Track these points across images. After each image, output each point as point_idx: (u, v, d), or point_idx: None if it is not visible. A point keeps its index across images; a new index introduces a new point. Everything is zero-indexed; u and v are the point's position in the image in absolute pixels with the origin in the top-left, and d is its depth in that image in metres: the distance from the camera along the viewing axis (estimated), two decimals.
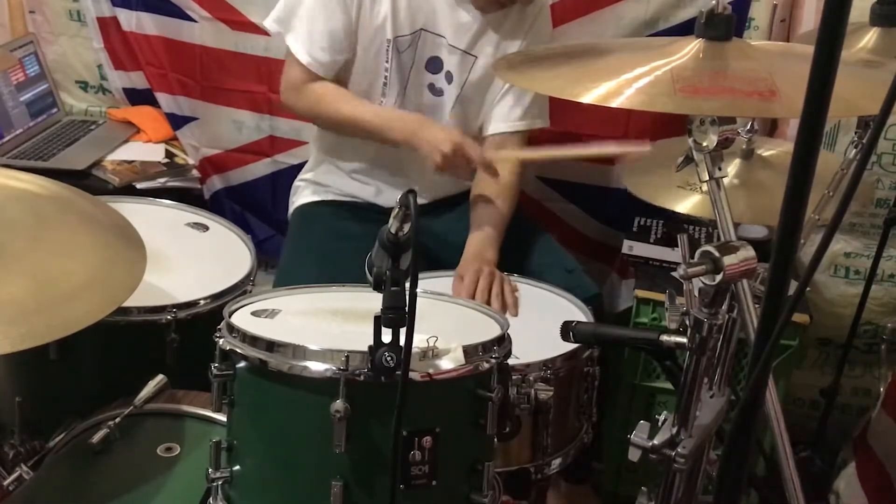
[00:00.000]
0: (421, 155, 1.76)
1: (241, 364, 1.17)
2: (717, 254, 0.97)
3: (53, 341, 1.36)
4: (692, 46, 1.16)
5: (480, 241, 1.80)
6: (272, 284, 1.92)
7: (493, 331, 1.26)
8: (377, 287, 1.08)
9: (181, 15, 2.43)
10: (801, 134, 0.72)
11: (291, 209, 2.09)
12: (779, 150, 1.75)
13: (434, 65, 1.87)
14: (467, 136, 1.79)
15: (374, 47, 1.83)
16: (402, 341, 1.03)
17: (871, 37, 1.61)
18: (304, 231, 1.99)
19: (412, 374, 1.06)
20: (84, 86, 2.64)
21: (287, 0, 1.84)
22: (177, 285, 1.67)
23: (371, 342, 1.06)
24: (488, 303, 1.63)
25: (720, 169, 1.12)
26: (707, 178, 1.12)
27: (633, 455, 1.09)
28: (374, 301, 1.06)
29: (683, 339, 1.09)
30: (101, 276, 1.30)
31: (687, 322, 1.07)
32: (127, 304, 1.32)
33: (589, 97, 1.08)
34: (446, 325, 1.35)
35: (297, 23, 1.83)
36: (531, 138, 2.00)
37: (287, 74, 1.90)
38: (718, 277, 0.97)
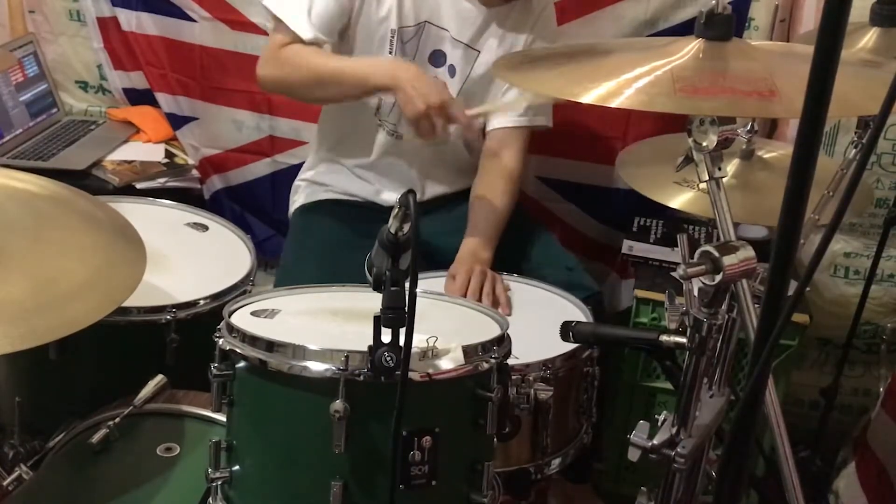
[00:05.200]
0: (401, 99, 1.66)
1: (241, 364, 1.17)
2: (716, 254, 0.97)
3: (53, 341, 1.36)
4: (692, 46, 1.16)
5: (475, 241, 1.80)
6: (273, 284, 1.92)
7: (492, 331, 1.26)
8: (377, 287, 1.08)
9: (181, 15, 2.43)
10: (801, 134, 0.72)
11: (292, 209, 2.09)
12: (779, 151, 1.76)
13: (437, 58, 1.87)
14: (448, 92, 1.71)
15: (378, 37, 1.82)
16: (401, 341, 1.03)
17: (871, 37, 1.61)
18: (304, 231, 1.99)
19: (412, 374, 1.06)
20: (84, 86, 2.64)
21: None
22: (177, 285, 1.67)
23: (371, 342, 1.06)
24: (480, 302, 1.63)
25: (720, 169, 1.12)
26: (707, 178, 1.12)
27: (633, 455, 1.10)
28: (373, 301, 1.06)
29: (683, 339, 1.09)
30: (101, 276, 1.30)
31: (686, 322, 1.07)
32: (127, 304, 1.32)
33: (589, 97, 1.08)
34: (446, 325, 1.35)
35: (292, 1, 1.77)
36: (536, 133, 2.00)
37: (268, 44, 1.82)
38: (718, 277, 0.97)
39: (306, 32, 1.74)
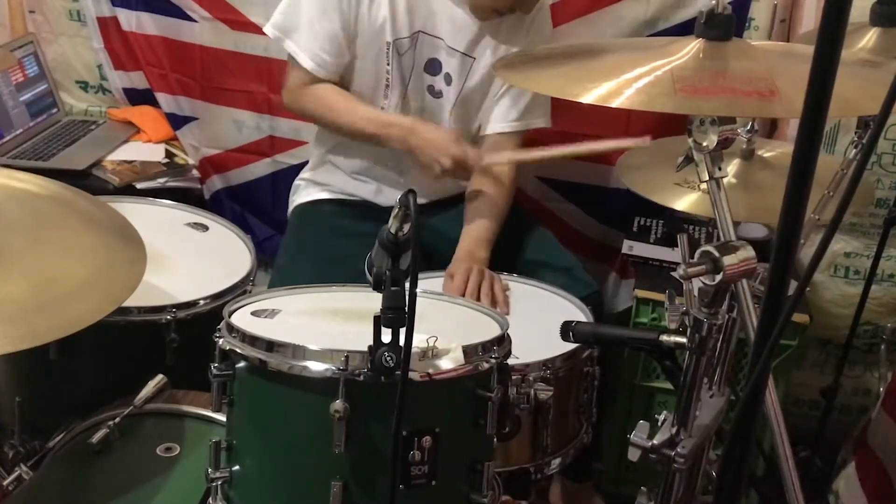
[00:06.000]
0: (420, 163, 1.80)
1: (241, 364, 1.17)
2: (716, 254, 0.97)
3: (53, 341, 1.36)
4: (692, 46, 1.16)
5: (472, 241, 1.81)
6: (269, 281, 1.93)
7: (492, 331, 1.26)
8: (377, 287, 1.08)
9: (181, 15, 2.43)
10: (801, 134, 0.72)
11: (291, 207, 2.09)
12: (779, 150, 1.76)
13: (433, 67, 1.87)
14: (463, 142, 1.79)
15: (375, 50, 1.84)
16: (401, 341, 1.03)
17: (871, 37, 1.61)
18: (302, 229, 2.00)
19: (412, 374, 1.06)
20: (84, 86, 2.64)
21: (286, 5, 1.85)
22: (177, 285, 1.67)
23: (371, 342, 1.06)
24: (478, 301, 1.63)
25: (720, 169, 1.12)
26: (707, 178, 1.12)
27: (633, 455, 1.10)
28: (373, 301, 1.06)
29: (683, 339, 1.09)
30: (101, 276, 1.30)
31: (687, 322, 1.07)
32: (127, 304, 1.32)
33: (589, 97, 1.08)
34: (446, 325, 1.35)
35: (296, 28, 1.83)
36: (531, 138, 2.00)
37: (289, 78, 1.91)
38: (718, 277, 0.97)
39: (320, 71, 1.84)
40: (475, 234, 1.82)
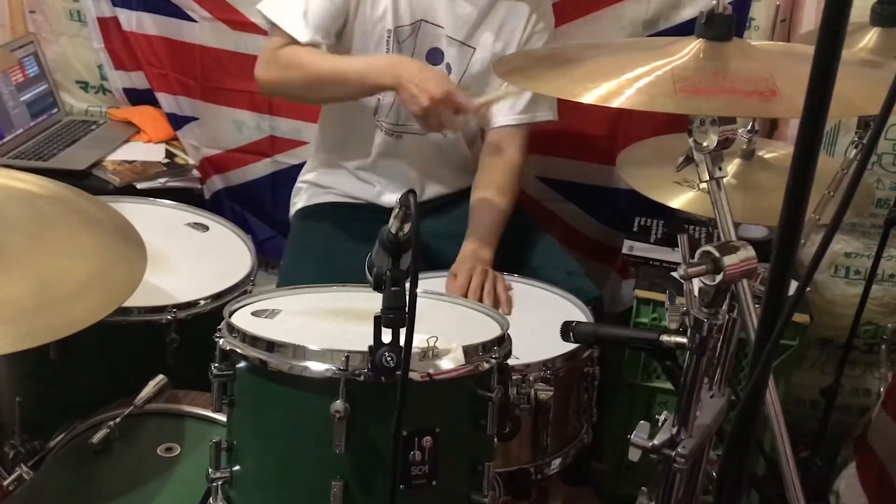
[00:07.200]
0: (404, 97, 1.65)
1: (241, 364, 1.17)
2: (717, 254, 0.97)
3: (53, 341, 1.36)
4: (692, 46, 1.16)
5: (476, 241, 1.80)
6: (275, 287, 1.92)
7: (493, 331, 1.26)
8: (377, 287, 1.08)
9: (181, 15, 2.43)
10: (801, 134, 0.72)
11: (292, 211, 2.09)
12: (779, 151, 1.76)
13: (434, 56, 1.87)
14: (456, 87, 1.70)
15: (375, 37, 1.82)
16: (402, 341, 1.03)
17: (871, 37, 1.61)
18: (305, 233, 1.99)
19: (412, 374, 1.06)
20: (84, 86, 2.65)
21: None
22: (177, 285, 1.67)
23: (371, 342, 1.06)
24: (481, 301, 1.63)
25: (720, 169, 1.12)
26: (707, 178, 1.12)
27: (633, 455, 1.09)
28: (374, 301, 1.06)
29: (683, 339, 1.09)
30: (101, 276, 1.30)
31: (687, 322, 1.07)
32: (127, 304, 1.32)
33: (589, 97, 1.08)
34: (446, 325, 1.35)
35: (288, 4, 1.76)
36: (536, 133, 2.00)
37: (264, 49, 1.81)
38: (718, 277, 0.97)
39: (303, 35, 1.73)
40: (479, 235, 1.81)
